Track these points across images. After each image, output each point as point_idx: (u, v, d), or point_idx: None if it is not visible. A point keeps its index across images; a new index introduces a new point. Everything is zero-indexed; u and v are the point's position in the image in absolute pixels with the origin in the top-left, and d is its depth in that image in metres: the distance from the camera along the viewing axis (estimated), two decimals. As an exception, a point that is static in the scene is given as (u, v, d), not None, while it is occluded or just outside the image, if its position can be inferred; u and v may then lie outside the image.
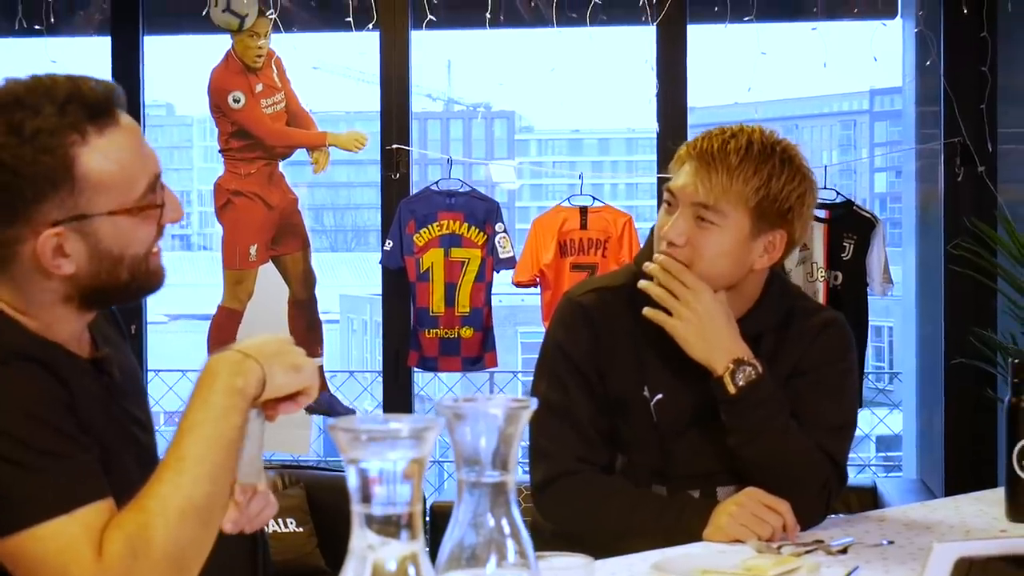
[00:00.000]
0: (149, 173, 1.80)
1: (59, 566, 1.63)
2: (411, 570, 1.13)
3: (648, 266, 2.46)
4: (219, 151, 5.22)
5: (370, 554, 1.13)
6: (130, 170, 1.77)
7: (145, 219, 1.80)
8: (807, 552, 2.16)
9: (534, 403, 1.28)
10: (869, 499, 4.89)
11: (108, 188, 1.74)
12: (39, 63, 5.01)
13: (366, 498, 1.13)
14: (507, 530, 1.27)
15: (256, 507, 1.84)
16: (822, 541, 2.22)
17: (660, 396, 2.49)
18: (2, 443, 1.65)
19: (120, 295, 1.84)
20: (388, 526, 1.13)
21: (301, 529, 4.75)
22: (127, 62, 5.28)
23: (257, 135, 5.15)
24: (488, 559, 1.26)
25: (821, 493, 2.45)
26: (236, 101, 5.14)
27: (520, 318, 18.94)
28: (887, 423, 7.01)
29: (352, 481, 1.13)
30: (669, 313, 2.43)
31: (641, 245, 4.95)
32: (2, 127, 1.70)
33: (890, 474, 7.19)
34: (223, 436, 1.69)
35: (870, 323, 4.99)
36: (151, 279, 1.85)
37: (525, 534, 1.28)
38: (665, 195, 2.50)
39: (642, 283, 2.46)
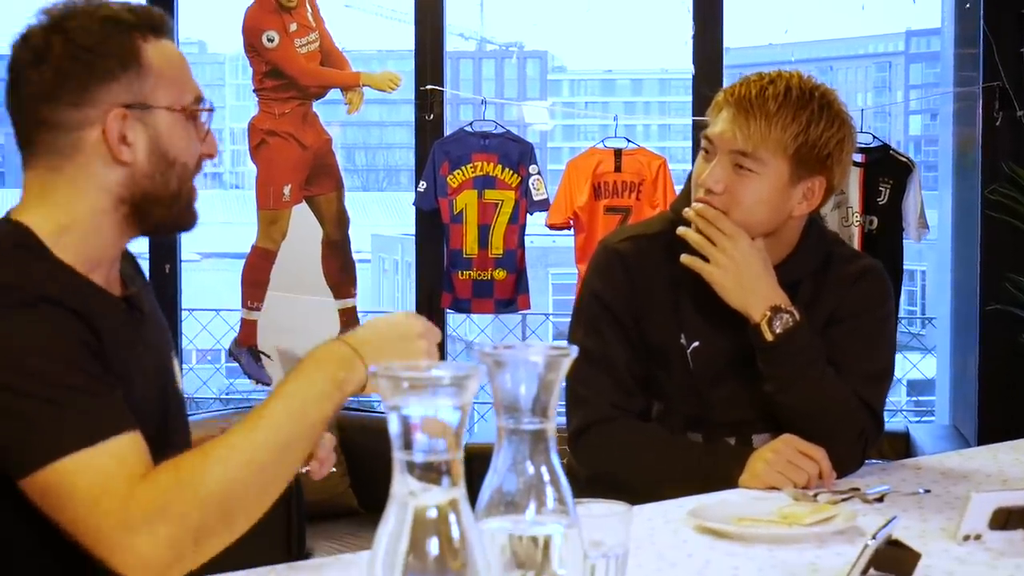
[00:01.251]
0: (196, 91, 1.89)
1: (90, 498, 1.62)
2: (452, 517, 1.14)
3: (686, 212, 2.45)
4: (253, 91, 5.20)
5: (411, 500, 1.13)
6: (184, 75, 1.88)
7: (195, 127, 1.88)
8: (843, 500, 2.15)
9: (574, 351, 1.28)
10: (902, 445, 4.89)
11: (168, 83, 1.84)
12: None
13: (407, 445, 1.13)
14: (546, 477, 1.28)
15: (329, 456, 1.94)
16: (858, 489, 2.22)
17: (696, 344, 2.48)
18: (26, 380, 1.65)
19: (165, 210, 1.86)
20: (429, 473, 1.13)
21: (334, 469, 4.75)
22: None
23: (291, 75, 5.13)
24: (527, 506, 1.27)
25: (858, 441, 2.44)
26: (270, 40, 5.12)
27: (552, 259, 18.91)
28: (919, 368, 6.99)
29: (393, 428, 1.13)
30: (706, 260, 2.42)
31: (676, 188, 4.96)
32: (73, 19, 1.80)
33: (922, 419, 7.18)
34: (309, 415, 1.70)
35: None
36: (190, 210, 1.91)
37: (564, 481, 1.28)
38: (703, 142, 2.49)
39: (680, 229, 2.45)
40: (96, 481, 1.62)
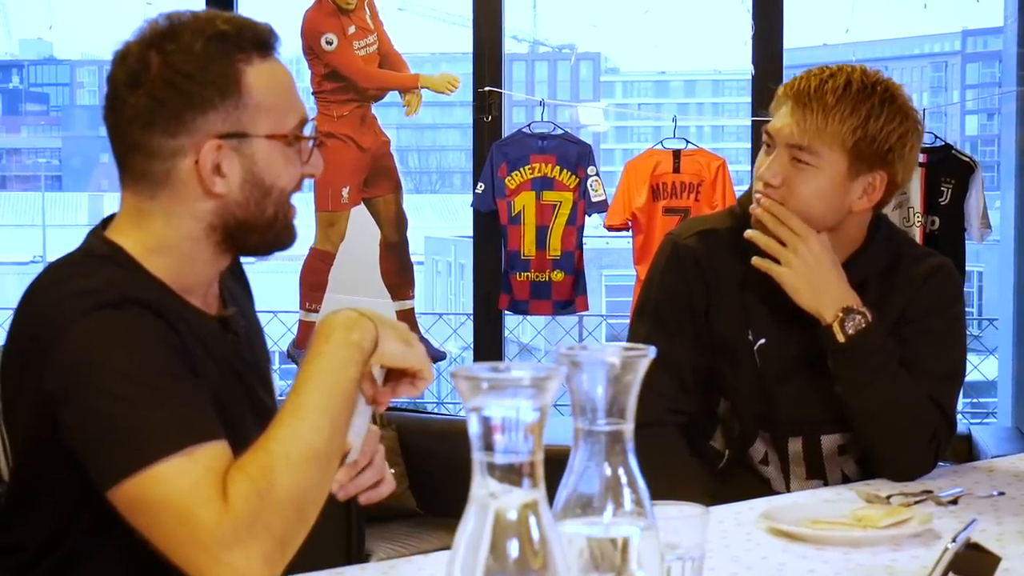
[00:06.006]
0: (300, 112, 1.84)
1: (185, 508, 1.57)
2: (532, 519, 1.12)
3: (753, 210, 2.42)
4: (312, 93, 5.21)
5: (492, 502, 1.12)
6: (287, 100, 1.81)
7: (296, 153, 1.82)
8: (917, 502, 2.13)
9: (652, 351, 1.27)
10: (964, 447, 4.84)
11: (268, 110, 1.78)
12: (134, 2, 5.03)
13: (488, 446, 1.12)
14: (624, 479, 1.27)
15: (368, 478, 1.86)
16: (931, 491, 2.19)
17: (763, 341, 2.46)
18: (115, 382, 1.62)
19: (260, 236, 1.83)
20: (510, 474, 1.12)
21: (393, 470, 4.73)
22: (221, 4, 5.28)
23: (350, 77, 5.14)
24: (605, 507, 1.26)
25: (930, 443, 2.40)
26: (329, 43, 5.13)
27: (605, 261, 18.88)
28: (978, 369, 6.92)
29: (474, 428, 1.12)
30: (777, 261, 2.40)
31: (735, 189, 4.92)
32: (174, 40, 1.74)
33: (982, 421, 7.11)
34: (339, 386, 1.67)
35: (964, 268, 4.91)
36: (288, 231, 1.86)
37: (641, 483, 1.27)
38: (764, 136, 2.47)
39: (748, 233, 2.42)
40: (189, 491, 1.57)
